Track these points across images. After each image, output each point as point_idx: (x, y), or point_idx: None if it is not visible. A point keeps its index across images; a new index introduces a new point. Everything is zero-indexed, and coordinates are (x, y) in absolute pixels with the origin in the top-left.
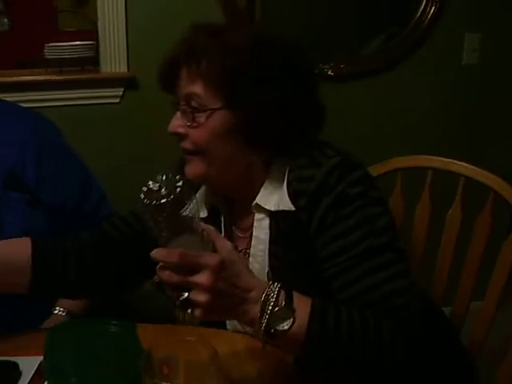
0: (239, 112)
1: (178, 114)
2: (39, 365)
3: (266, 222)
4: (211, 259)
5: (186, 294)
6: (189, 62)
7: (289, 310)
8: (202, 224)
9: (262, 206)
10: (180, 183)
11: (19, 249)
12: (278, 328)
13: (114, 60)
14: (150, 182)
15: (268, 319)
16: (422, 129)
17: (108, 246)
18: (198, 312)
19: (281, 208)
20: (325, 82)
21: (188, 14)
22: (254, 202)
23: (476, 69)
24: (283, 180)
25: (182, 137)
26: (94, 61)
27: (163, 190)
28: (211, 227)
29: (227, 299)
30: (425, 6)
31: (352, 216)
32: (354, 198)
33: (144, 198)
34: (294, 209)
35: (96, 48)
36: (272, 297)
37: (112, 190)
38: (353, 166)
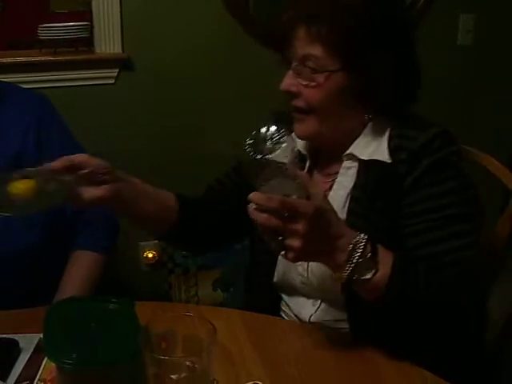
0: (355, 73)
1: (291, 72)
2: (39, 342)
3: (354, 170)
4: (309, 208)
5: (281, 238)
6: (309, 24)
7: (373, 262)
8: (296, 169)
9: (355, 154)
10: (284, 137)
11: (168, 194)
12: (360, 277)
13: (108, 41)
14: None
15: (353, 268)
16: (416, 109)
17: (213, 199)
18: (290, 255)
19: (375, 157)
20: None
21: None
22: (348, 152)
23: (470, 49)
24: (383, 135)
25: (293, 95)
26: (88, 42)
27: (268, 143)
28: (304, 173)
29: (318, 245)
30: None
31: (448, 181)
32: (452, 166)
33: (250, 151)
34: (390, 161)
35: (90, 29)
36: (359, 247)
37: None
38: (453, 139)
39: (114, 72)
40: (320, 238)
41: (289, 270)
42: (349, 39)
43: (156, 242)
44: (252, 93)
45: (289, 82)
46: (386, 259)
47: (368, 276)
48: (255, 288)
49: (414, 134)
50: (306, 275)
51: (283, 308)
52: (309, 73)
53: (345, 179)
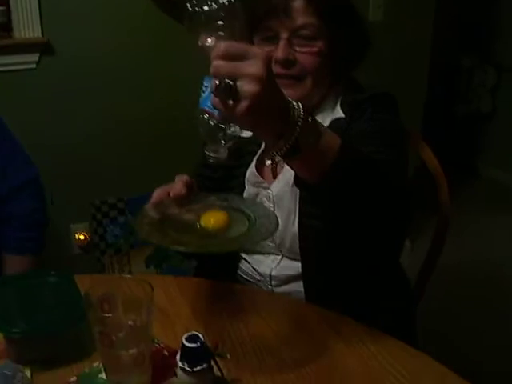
0: (337, 38)
1: (284, 42)
2: None
3: None
4: (261, 50)
5: (232, 83)
6: None
7: (315, 125)
8: None
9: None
10: None
11: None
12: (306, 141)
13: (27, 25)
14: None
15: (298, 131)
16: None
17: None
18: (243, 104)
19: (333, 118)
20: None
21: None
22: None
23: (382, 25)
24: (338, 100)
25: (288, 64)
26: (6, 27)
27: None
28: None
29: (272, 96)
30: None
31: (385, 115)
32: (389, 108)
33: None
34: (343, 116)
35: (8, 13)
36: (299, 111)
37: (34, 155)
38: (392, 96)
39: (35, 57)
40: (273, 88)
41: None
42: (335, 11)
43: (87, 223)
44: (176, 74)
45: (286, 50)
46: (324, 127)
47: (312, 140)
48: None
49: (361, 93)
50: None
51: (241, 265)
52: (301, 41)
53: None
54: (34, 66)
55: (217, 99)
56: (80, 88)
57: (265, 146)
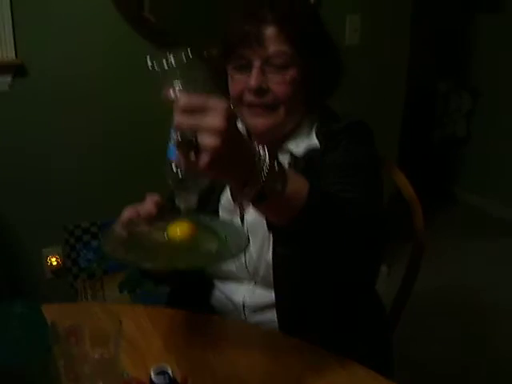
0: (310, 66)
1: (256, 70)
2: None
3: (285, 163)
4: (220, 102)
5: (194, 138)
6: (282, 24)
7: (281, 172)
8: None
9: (292, 150)
10: None
11: None
12: (271, 189)
13: (0, 46)
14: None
15: (264, 178)
16: None
17: None
18: (204, 158)
19: (309, 148)
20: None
21: None
22: (284, 147)
23: (358, 48)
24: (312, 129)
25: (261, 92)
26: None
27: None
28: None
29: (234, 148)
30: None
31: (359, 147)
32: (364, 139)
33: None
34: (318, 145)
35: None
36: (264, 157)
37: (1, 181)
38: (367, 126)
39: (8, 78)
40: (235, 138)
41: None
42: (308, 39)
43: (59, 247)
44: (152, 99)
45: (259, 78)
46: (291, 173)
47: (279, 187)
48: (181, 278)
49: (336, 122)
50: (242, 260)
51: (214, 294)
52: (274, 69)
53: None
54: (6, 87)
55: (179, 152)
56: (54, 111)
57: (231, 190)
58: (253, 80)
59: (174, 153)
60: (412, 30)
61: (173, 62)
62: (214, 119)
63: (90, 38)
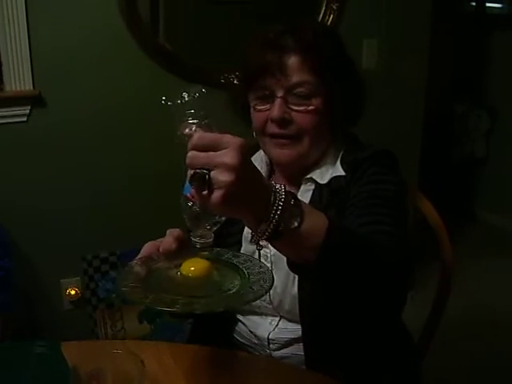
0: (334, 94)
1: (278, 102)
2: None
3: (310, 193)
4: (234, 138)
5: (206, 172)
6: (305, 52)
7: (297, 208)
8: None
9: (316, 179)
10: None
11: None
12: (287, 226)
13: (18, 77)
14: None
15: (279, 215)
16: None
17: None
18: (218, 194)
19: (333, 175)
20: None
21: (92, 28)
22: (309, 176)
23: (375, 73)
24: (338, 157)
25: (284, 123)
26: None
27: None
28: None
29: (247, 185)
30: (323, 14)
31: (384, 175)
32: (390, 168)
33: None
34: (344, 173)
35: None
36: (281, 193)
37: (21, 213)
38: (393, 154)
39: (26, 109)
40: (249, 175)
41: None
42: (332, 67)
43: (78, 278)
44: (171, 132)
45: (282, 109)
46: (309, 209)
47: (295, 224)
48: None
49: (361, 151)
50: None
51: (237, 328)
52: (297, 99)
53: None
54: (24, 118)
55: (193, 189)
56: (71, 142)
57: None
58: (275, 111)
59: (188, 188)
60: (429, 53)
61: (186, 98)
62: (228, 156)
63: (109, 70)
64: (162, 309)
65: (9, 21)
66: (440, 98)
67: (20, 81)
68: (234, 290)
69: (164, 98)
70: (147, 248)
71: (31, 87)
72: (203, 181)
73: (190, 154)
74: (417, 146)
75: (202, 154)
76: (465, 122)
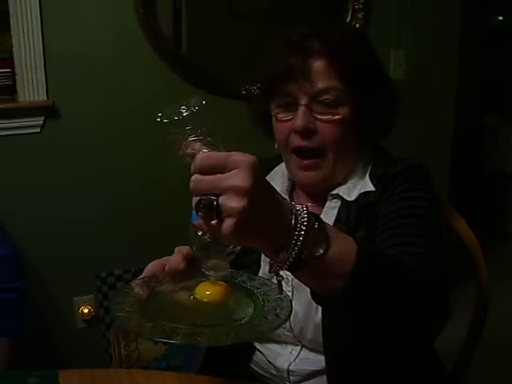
0: (362, 104)
1: (302, 110)
2: None
3: (335, 210)
4: (244, 156)
5: (214, 198)
6: (332, 57)
7: (322, 233)
8: None
9: (343, 196)
10: None
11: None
12: (311, 253)
13: (32, 88)
14: None
15: (301, 241)
16: None
17: None
18: (229, 223)
19: (362, 191)
20: None
21: (106, 35)
22: (334, 192)
23: (403, 83)
24: (366, 172)
25: (308, 134)
26: (10, 90)
27: None
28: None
29: (262, 209)
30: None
31: (417, 191)
32: (422, 184)
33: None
34: (374, 189)
35: (13, 76)
36: (303, 216)
37: (34, 227)
38: (426, 169)
39: (40, 120)
40: (264, 198)
41: None
42: (361, 73)
43: (91, 295)
44: None
45: (306, 118)
46: (335, 233)
47: (320, 251)
48: None
49: (392, 165)
50: None
51: (254, 357)
52: (322, 108)
53: (326, 218)
54: (38, 130)
55: (200, 218)
56: (85, 153)
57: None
58: (299, 120)
59: (195, 216)
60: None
61: (184, 113)
62: (237, 178)
63: (124, 81)
64: (160, 340)
65: (23, 30)
66: (470, 110)
67: (34, 91)
68: (245, 320)
69: (160, 114)
70: (151, 267)
71: (45, 97)
72: (211, 208)
73: (194, 177)
74: (447, 159)
75: (208, 178)
76: (495, 136)
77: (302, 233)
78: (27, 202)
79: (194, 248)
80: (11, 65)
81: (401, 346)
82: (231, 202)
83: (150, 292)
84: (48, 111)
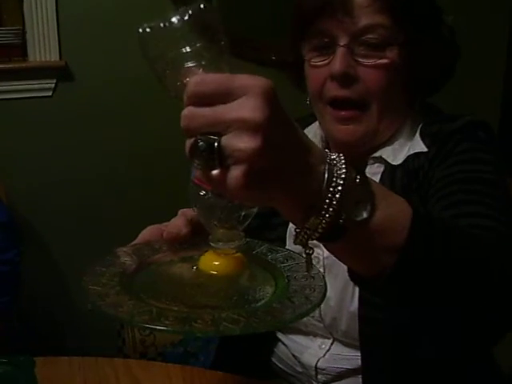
0: (415, 46)
1: (341, 52)
2: None
3: (378, 176)
4: (254, 79)
5: (215, 138)
6: None
7: (366, 191)
8: None
9: (387, 159)
10: None
11: None
12: (352, 217)
13: (43, 47)
14: None
15: (338, 200)
16: None
17: None
18: (236, 172)
19: (410, 152)
20: None
21: None
22: (377, 154)
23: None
24: (416, 132)
25: (348, 81)
26: (20, 49)
27: None
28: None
29: (287, 153)
30: None
31: (480, 152)
32: (486, 143)
33: None
34: (426, 150)
35: (23, 34)
36: (340, 168)
37: (46, 188)
38: (489, 126)
39: (52, 83)
40: (283, 135)
41: None
42: (413, 8)
43: None
44: None
45: (345, 61)
46: (382, 191)
47: (364, 214)
48: None
49: (447, 122)
50: None
51: (276, 350)
52: (366, 50)
53: None
54: (50, 93)
55: (197, 169)
56: (99, 117)
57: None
58: (337, 64)
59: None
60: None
61: (176, 21)
62: (246, 108)
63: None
64: (142, 325)
65: None
66: None
67: (46, 50)
68: (262, 302)
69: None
70: (146, 233)
71: (57, 57)
72: (211, 153)
73: (187, 111)
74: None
75: (206, 110)
76: None
77: (339, 188)
78: (37, 167)
79: (197, 213)
80: (21, 22)
81: (461, 343)
82: (239, 143)
83: (141, 262)
84: (60, 72)
